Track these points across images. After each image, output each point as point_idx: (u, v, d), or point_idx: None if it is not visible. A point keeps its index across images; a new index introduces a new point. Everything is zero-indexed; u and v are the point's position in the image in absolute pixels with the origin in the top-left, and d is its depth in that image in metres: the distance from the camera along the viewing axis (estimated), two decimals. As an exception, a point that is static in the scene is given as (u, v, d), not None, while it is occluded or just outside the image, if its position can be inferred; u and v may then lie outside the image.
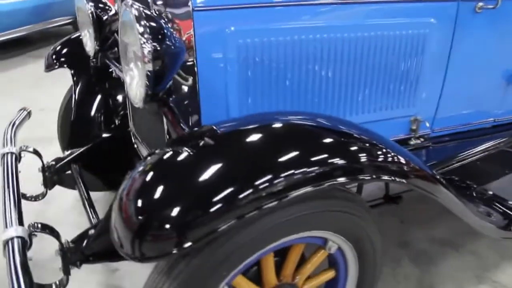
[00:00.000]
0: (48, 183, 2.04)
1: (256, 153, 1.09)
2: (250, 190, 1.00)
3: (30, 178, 1.99)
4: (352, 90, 1.69)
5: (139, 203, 1.00)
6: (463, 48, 1.80)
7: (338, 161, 1.11)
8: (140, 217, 0.98)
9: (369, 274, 1.44)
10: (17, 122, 2.13)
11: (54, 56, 2.24)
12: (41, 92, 4.45)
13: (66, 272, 1.44)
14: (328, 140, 1.17)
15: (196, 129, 1.21)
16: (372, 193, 2.13)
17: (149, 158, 1.11)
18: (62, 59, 2.22)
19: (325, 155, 1.11)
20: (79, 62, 2.18)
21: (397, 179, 1.23)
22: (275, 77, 1.54)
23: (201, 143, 1.08)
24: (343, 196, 1.24)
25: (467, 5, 1.72)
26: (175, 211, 0.96)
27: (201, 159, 1.06)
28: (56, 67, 2.24)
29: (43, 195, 2.04)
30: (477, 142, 2.04)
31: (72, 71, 2.18)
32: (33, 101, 4.08)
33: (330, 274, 1.44)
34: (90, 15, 1.78)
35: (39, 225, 1.49)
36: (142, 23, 1.19)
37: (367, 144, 1.23)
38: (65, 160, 2.06)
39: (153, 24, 1.21)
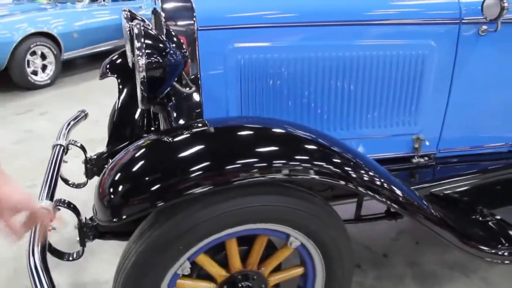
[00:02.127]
0: (89, 174, 2.36)
1: (226, 143, 1.30)
2: (208, 172, 1.21)
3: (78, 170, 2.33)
4: (351, 107, 1.80)
5: (109, 178, 1.24)
6: (467, 70, 1.83)
7: (285, 159, 1.26)
8: (107, 187, 1.22)
9: (337, 276, 1.53)
10: (72, 122, 2.50)
11: (107, 66, 2.60)
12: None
13: (82, 244, 1.69)
14: (291, 143, 1.34)
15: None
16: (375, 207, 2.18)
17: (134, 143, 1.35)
18: (113, 69, 2.56)
19: (278, 153, 1.27)
20: (126, 72, 2.51)
21: (351, 186, 1.34)
22: (272, 91, 1.71)
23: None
24: (300, 196, 1.36)
25: (469, 27, 1.77)
26: (129, 185, 1.19)
27: (175, 143, 1.28)
28: (109, 75, 2.59)
29: (84, 184, 2.37)
30: (490, 165, 2.02)
31: (119, 80, 2.51)
32: (106, 107, 4.59)
33: (298, 271, 1.55)
34: (128, 32, 2.08)
35: (65, 201, 1.78)
36: (141, 39, 1.44)
37: (332, 152, 1.37)
38: (105, 155, 2.38)
39: (149, 41, 1.45)
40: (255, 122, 1.44)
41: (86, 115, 2.63)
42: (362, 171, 1.38)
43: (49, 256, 1.69)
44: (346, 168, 1.34)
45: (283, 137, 1.36)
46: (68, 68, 6.50)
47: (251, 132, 1.34)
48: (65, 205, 1.79)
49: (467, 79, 1.85)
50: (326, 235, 1.43)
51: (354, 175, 1.38)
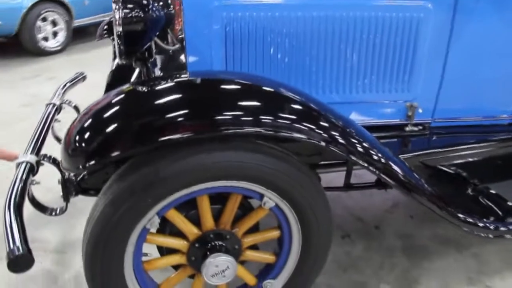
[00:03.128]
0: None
1: (205, 93, 1.28)
2: (179, 121, 1.18)
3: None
4: (341, 70, 1.74)
5: (76, 125, 1.22)
6: (465, 35, 1.74)
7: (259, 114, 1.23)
8: (73, 135, 1.20)
9: (313, 242, 1.49)
10: (69, 83, 2.49)
11: (104, 28, 2.56)
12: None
13: (66, 199, 1.69)
14: (274, 99, 1.31)
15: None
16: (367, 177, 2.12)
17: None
18: (110, 31, 2.53)
19: (259, 108, 1.25)
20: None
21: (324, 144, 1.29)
22: (259, 53, 1.65)
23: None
24: (274, 154, 1.32)
25: (467, -10, 1.67)
26: (92, 132, 1.17)
27: (148, 92, 1.26)
28: (105, 36, 2.56)
29: None
30: (488, 137, 1.94)
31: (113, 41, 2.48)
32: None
33: (274, 233, 1.53)
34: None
35: (48, 157, 1.78)
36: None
37: (308, 109, 1.32)
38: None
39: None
40: (240, 76, 1.40)
41: (84, 78, 2.62)
42: (347, 135, 1.34)
43: (40, 215, 1.71)
44: (330, 131, 1.31)
45: (267, 93, 1.32)
46: (80, 35, 6.49)
47: (233, 86, 1.30)
48: (49, 160, 1.78)
49: (465, 45, 1.76)
50: (301, 197, 1.39)
51: (337, 138, 1.34)
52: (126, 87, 1.34)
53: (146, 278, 1.47)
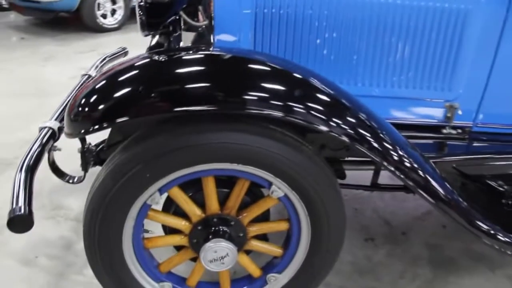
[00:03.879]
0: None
1: (227, 69, 1.21)
2: (191, 94, 1.14)
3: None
4: (379, 60, 1.62)
5: (82, 91, 1.20)
6: (519, 35, 1.57)
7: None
8: (78, 101, 1.18)
9: (323, 239, 1.41)
10: (108, 57, 2.51)
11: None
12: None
13: (84, 169, 1.70)
14: (296, 84, 1.23)
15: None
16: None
17: None
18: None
19: (281, 92, 1.18)
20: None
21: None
22: (289, 36, 1.57)
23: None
24: (286, 141, 1.24)
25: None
26: (95, 97, 1.15)
27: (163, 62, 1.21)
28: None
29: None
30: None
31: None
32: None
33: (282, 225, 1.45)
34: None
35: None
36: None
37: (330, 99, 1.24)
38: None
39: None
40: (267, 58, 1.33)
41: (126, 53, 2.64)
42: (374, 133, 1.25)
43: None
44: (355, 126, 1.23)
45: (294, 78, 1.24)
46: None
47: (260, 66, 1.23)
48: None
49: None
50: (311, 190, 1.30)
51: (362, 135, 1.25)
52: (144, 56, 1.31)
53: (146, 255, 1.44)
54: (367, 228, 2.19)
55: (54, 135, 1.67)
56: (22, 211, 1.23)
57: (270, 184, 1.33)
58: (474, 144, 1.75)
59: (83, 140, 1.80)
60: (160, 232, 1.53)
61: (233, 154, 1.23)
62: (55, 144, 1.72)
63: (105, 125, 1.14)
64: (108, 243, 1.33)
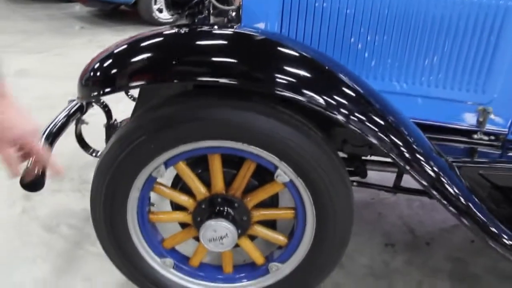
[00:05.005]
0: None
1: (248, 46, 1.21)
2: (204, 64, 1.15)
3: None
4: (407, 55, 1.56)
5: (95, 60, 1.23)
6: None
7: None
8: (91, 66, 1.22)
9: (328, 232, 1.36)
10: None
11: None
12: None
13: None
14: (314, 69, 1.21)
15: None
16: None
17: None
18: None
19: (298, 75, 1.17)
20: None
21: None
22: (316, 27, 1.54)
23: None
24: (293, 124, 1.22)
25: None
26: (106, 63, 1.19)
27: (181, 34, 1.24)
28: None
29: None
30: None
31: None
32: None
33: (287, 213, 1.42)
34: None
35: (103, 102, 1.86)
36: None
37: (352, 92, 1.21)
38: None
39: None
40: (291, 42, 1.32)
41: None
42: (397, 134, 1.21)
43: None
44: (377, 125, 1.20)
45: (317, 65, 1.22)
46: (192, 12, 6.79)
47: (288, 50, 1.21)
48: (101, 105, 1.85)
49: None
50: (317, 177, 1.27)
51: (384, 134, 1.21)
52: (164, 28, 1.32)
53: (150, 229, 1.45)
54: (388, 234, 2.10)
55: (81, 108, 1.74)
56: (36, 171, 1.27)
57: (276, 168, 1.30)
58: (509, 154, 1.64)
59: (108, 116, 1.86)
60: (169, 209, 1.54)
61: (238, 132, 1.22)
62: (83, 118, 1.78)
63: (110, 90, 1.16)
64: (113, 212, 1.36)
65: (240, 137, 1.22)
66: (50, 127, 1.55)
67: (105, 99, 1.74)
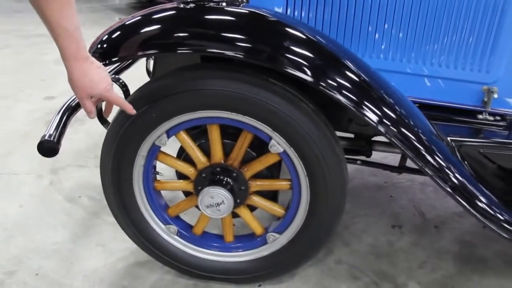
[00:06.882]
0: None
1: (255, 24, 1.27)
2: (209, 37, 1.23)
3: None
4: (409, 34, 1.57)
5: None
6: None
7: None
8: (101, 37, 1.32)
9: (321, 200, 1.40)
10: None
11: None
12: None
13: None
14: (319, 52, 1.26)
15: None
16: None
17: None
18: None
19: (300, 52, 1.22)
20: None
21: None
22: (320, 8, 1.59)
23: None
24: (284, 95, 1.27)
25: None
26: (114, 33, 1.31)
27: (190, 9, 1.30)
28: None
29: None
30: None
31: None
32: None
33: (283, 184, 1.47)
34: None
35: (121, 82, 1.96)
36: None
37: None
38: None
39: None
40: (296, 23, 1.37)
41: None
42: (396, 117, 1.26)
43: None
44: (377, 107, 1.25)
45: (321, 47, 1.27)
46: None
47: (287, 29, 1.27)
48: (119, 84, 1.96)
49: None
50: (309, 149, 1.32)
51: (384, 116, 1.25)
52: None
53: (155, 196, 1.55)
54: (397, 215, 2.12)
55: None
56: (51, 138, 1.38)
57: (270, 138, 1.36)
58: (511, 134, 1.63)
59: (127, 96, 1.96)
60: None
61: (232, 103, 1.28)
62: None
63: (117, 58, 1.26)
64: (120, 179, 1.46)
65: (235, 108, 1.29)
66: (69, 100, 1.67)
67: (124, 78, 1.85)
